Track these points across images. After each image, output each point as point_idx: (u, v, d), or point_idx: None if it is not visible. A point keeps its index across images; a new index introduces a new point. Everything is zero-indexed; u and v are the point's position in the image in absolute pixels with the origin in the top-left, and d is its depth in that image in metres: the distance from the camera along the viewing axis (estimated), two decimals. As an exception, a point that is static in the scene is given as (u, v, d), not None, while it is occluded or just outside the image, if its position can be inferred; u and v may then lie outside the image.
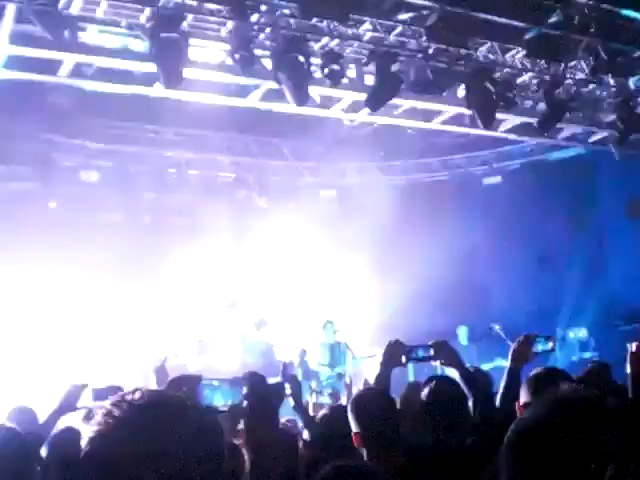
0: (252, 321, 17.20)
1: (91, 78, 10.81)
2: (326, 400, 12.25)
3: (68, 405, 4.86)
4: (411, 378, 13.29)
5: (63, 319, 14.65)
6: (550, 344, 4.85)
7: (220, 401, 3.92)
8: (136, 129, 16.21)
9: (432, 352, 4.51)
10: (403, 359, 4.60)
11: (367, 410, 3.98)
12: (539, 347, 4.75)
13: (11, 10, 9.17)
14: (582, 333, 15.73)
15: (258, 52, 10.55)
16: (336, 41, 10.91)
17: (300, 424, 5.54)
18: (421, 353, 4.55)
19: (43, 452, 4.37)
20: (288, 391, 4.77)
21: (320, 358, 13.93)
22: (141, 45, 10.08)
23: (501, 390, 4.33)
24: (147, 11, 9.67)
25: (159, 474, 1.65)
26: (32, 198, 15.47)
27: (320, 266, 18.63)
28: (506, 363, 4.51)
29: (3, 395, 11.23)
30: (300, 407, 5.01)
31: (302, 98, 10.92)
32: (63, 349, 14.22)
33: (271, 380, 5.10)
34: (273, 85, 10.94)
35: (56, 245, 14.05)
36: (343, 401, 9.09)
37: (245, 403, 3.88)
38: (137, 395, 1.74)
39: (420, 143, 17.04)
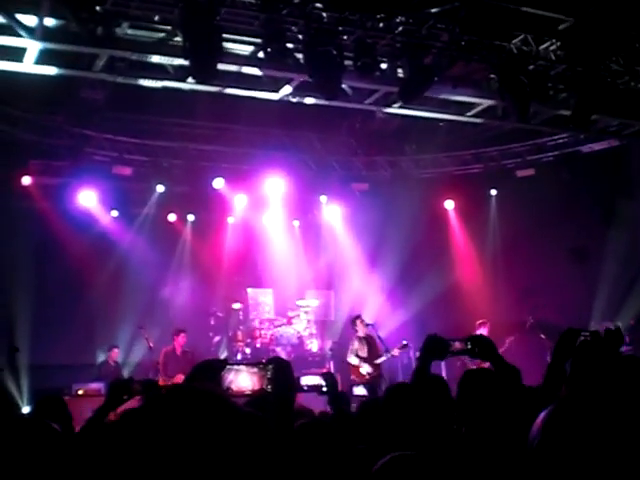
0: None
1: (124, 73, 10.89)
2: (362, 392, 12.33)
3: None
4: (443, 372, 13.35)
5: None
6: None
7: (246, 383, 3.92)
8: (168, 123, 16.31)
9: (469, 345, 4.49)
10: (441, 353, 4.58)
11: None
12: None
13: (46, 5, 9.26)
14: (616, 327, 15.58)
15: (290, 45, 10.55)
16: (368, 34, 10.86)
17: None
18: (459, 347, 4.53)
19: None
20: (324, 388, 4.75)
21: (359, 351, 13.93)
22: (175, 39, 10.12)
23: (544, 384, 4.26)
24: (180, 5, 9.68)
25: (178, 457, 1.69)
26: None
27: (353, 258, 18.68)
28: None
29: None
30: (336, 402, 5.00)
31: (334, 91, 10.93)
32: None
33: (306, 378, 5.11)
34: (305, 78, 10.94)
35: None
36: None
37: (269, 387, 3.87)
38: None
39: (453, 136, 16.97)
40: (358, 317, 14.42)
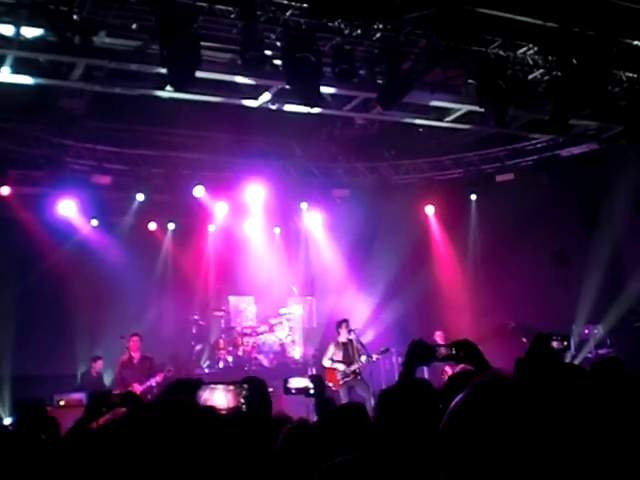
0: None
1: (102, 82, 10.84)
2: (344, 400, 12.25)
3: None
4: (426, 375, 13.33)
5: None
6: (565, 342, 4.85)
7: (221, 401, 3.92)
8: (147, 132, 16.24)
9: (454, 351, 4.48)
10: (426, 358, 4.58)
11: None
12: (554, 346, 4.74)
13: (23, 14, 9.22)
14: (597, 330, 15.67)
15: (268, 52, 10.56)
16: (346, 40, 10.87)
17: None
18: (444, 352, 4.53)
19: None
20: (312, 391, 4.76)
21: (334, 356, 13.84)
22: (152, 47, 10.09)
23: None
24: (157, 14, 9.66)
25: (156, 467, 1.69)
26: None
27: (334, 264, 18.66)
28: None
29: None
30: (322, 406, 4.99)
31: (313, 98, 10.93)
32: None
33: (294, 380, 5.10)
34: (284, 85, 10.94)
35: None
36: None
37: (244, 407, 3.87)
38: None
39: (432, 141, 17.01)
40: (344, 321, 14.26)
